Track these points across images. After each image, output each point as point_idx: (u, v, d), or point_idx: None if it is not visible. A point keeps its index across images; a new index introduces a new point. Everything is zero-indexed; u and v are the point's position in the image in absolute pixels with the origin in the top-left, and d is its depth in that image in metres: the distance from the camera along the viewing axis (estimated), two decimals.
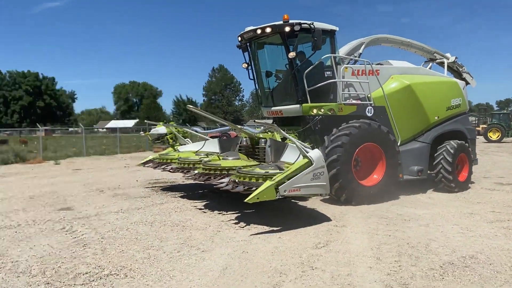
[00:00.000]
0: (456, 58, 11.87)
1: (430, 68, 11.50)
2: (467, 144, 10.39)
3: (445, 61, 11.70)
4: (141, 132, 70.98)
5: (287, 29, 8.58)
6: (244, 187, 6.66)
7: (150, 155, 11.15)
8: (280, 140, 8.74)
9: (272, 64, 10.10)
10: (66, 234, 6.55)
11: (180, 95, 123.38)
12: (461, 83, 11.17)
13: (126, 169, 16.33)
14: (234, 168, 7.61)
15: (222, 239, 6.15)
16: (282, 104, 9.62)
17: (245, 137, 9.52)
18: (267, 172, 6.71)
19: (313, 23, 8.55)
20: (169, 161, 10.10)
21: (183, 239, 6.19)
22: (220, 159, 8.44)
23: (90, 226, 6.99)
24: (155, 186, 11.37)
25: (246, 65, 10.13)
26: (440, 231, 6.49)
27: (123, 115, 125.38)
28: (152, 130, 33.45)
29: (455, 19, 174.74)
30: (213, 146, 10.41)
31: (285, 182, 6.36)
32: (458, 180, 9.98)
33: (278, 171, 6.76)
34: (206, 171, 8.05)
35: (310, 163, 6.59)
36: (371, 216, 7.59)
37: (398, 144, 9.30)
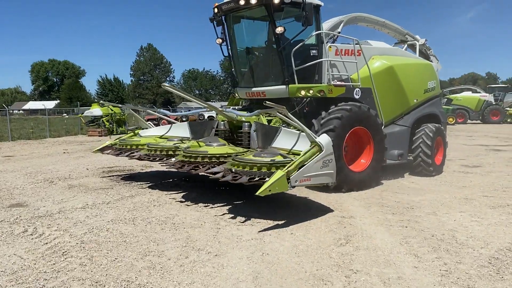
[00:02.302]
0: (426, 40, 11.76)
1: (405, 49, 11.26)
2: (442, 127, 10.33)
3: (416, 43, 11.54)
4: (64, 114, 66.13)
5: (276, 1, 7.72)
6: (247, 177, 5.83)
7: (108, 141, 9.80)
8: (266, 123, 8.00)
9: (249, 41, 9.23)
10: (32, 239, 5.34)
11: (106, 74, 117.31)
12: (434, 65, 11.07)
13: (67, 155, 14.63)
14: (226, 155, 6.75)
15: (228, 239, 5.32)
16: (264, 84, 8.81)
17: (223, 121, 8.60)
18: (273, 160, 5.94)
19: None
20: (133, 147, 8.90)
21: (183, 240, 5.28)
22: (202, 146, 7.51)
23: (58, 227, 5.80)
24: (113, 176, 10.11)
25: (221, 41, 9.15)
26: (453, 220, 6.17)
27: (42, 96, 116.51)
28: (86, 112, 30.87)
29: (378, 7, 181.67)
30: (182, 130, 9.37)
31: (296, 172, 5.65)
32: (435, 163, 9.89)
33: (282, 159, 6.02)
34: (189, 159, 7.07)
35: (320, 150, 5.94)
36: (369, 204, 7.15)
37: (382, 127, 8.94)
